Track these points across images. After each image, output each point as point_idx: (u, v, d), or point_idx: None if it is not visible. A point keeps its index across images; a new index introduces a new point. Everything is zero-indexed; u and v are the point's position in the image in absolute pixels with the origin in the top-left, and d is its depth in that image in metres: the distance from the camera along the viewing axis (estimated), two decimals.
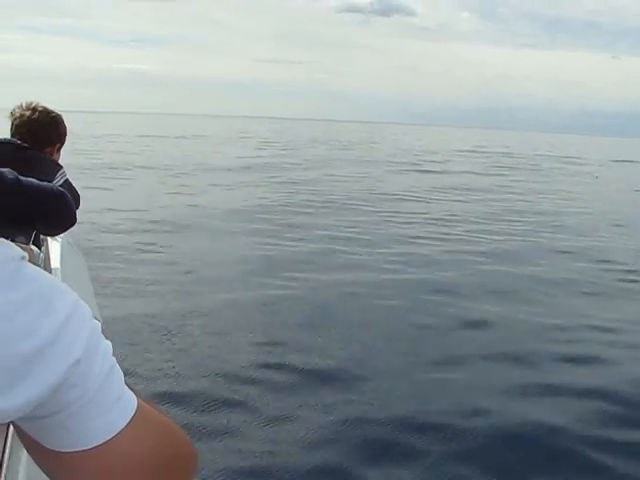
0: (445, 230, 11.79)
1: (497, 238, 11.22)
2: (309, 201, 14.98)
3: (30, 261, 0.64)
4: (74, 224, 2.45)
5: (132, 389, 0.67)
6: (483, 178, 23.35)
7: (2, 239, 0.61)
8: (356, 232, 11.01)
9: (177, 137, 48.13)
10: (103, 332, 0.66)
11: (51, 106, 2.95)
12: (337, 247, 9.68)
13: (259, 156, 29.79)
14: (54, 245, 2.87)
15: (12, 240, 2.16)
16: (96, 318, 0.67)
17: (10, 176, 2.23)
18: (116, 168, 20.68)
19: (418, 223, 12.58)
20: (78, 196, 2.97)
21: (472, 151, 43.39)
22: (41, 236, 2.68)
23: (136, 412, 0.64)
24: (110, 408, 0.62)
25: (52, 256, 2.78)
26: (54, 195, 2.35)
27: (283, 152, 34.45)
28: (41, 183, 2.36)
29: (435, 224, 12.47)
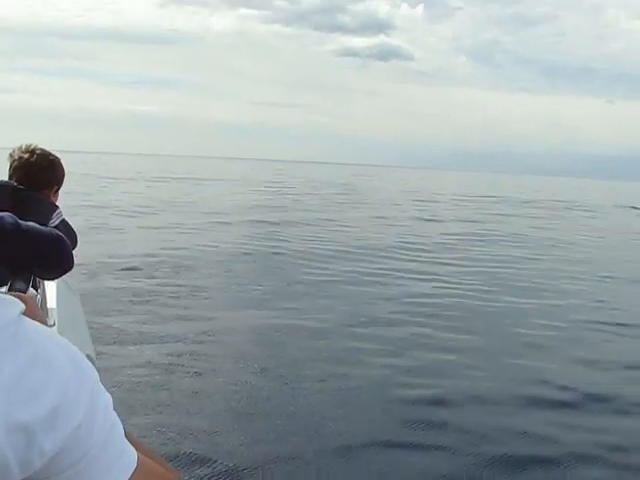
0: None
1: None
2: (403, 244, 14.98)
3: (28, 308, 0.64)
4: (71, 268, 2.44)
5: (132, 440, 0.67)
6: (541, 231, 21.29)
7: (4, 296, 0.61)
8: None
9: (183, 178, 48.29)
10: (99, 370, 0.65)
11: (54, 147, 2.97)
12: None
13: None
14: (50, 285, 2.87)
15: (11, 285, 2.16)
16: (91, 358, 0.67)
17: (10, 220, 2.22)
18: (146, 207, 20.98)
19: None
20: (75, 236, 2.99)
21: (491, 196, 42.15)
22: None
23: (137, 466, 0.64)
24: (112, 465, 0.62)
25: (48, 295, 2.76)
26: (52, 240, 2.34)
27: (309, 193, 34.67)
28: (40, 227, 2.35)
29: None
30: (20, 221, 2.26)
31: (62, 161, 3.08)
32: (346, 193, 39.38)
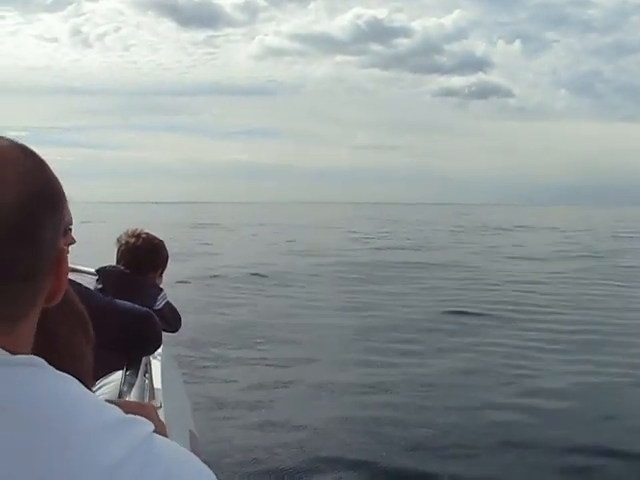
0: None
1: None
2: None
3: (151, 420, 0.71)
4: (159, 346, 2.47)
5: None
6: None
7: (135, 417, 0.67)
8: None
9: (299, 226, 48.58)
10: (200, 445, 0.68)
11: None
12: None
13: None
14: (155, 363, 2.88)
15: (109, 366, 2.19)
16: (193, 434, 0.71)
17: (105, 298, 2.30)
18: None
19: None
20: (179, 317, 3.13)
21: None
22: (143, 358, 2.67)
23: None
24: None
25: (153, 374, 2.73)
26: (141, 317, 2.38)
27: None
28: (131, 305, 2.40)
29: None
30: (116, 300, 2.33)
31: (165, 244, 3.16)
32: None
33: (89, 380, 1.19)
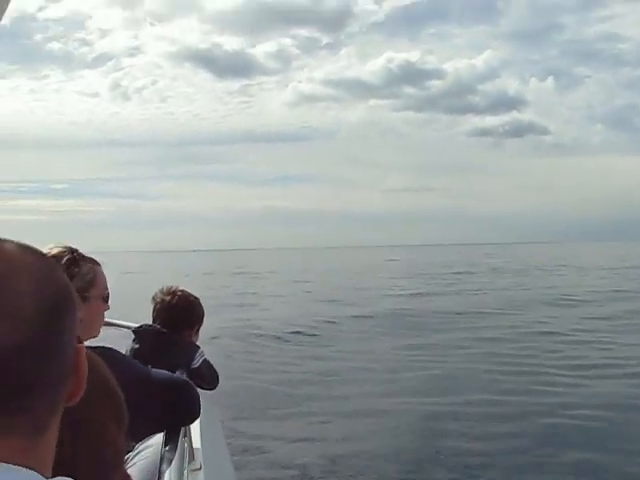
0: None
1: None
2: None
3: None
4: (197, 418, 2.37)
5: None
6: None
7: None
8: None
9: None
10: None
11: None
12: None
13: None
14: (195, 423, 2.66)
15: (149, 430, 2.18)
16: None
17: (142, 368, 2.22)
18: None
19: None
20: (217, 375, 3.08)
21: None
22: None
23: None
24: None
25: (192, 434, 2.65)
26: (179, 388, 2.30)
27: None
28: (168, 375, 2.32)
29: None
30: (152, 369, 2.23)
31: (201, 301, 3.08)
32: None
33: (119, 465, 1.17)
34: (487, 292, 26.74)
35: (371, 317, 18.58)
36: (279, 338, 15.20)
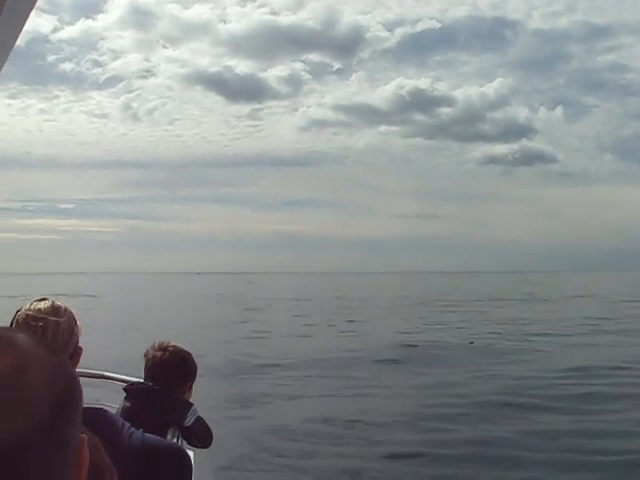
0: None
1: None
2: None
3: None
4: None
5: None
6: None
7: None
8: None
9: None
10: None
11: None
12: None
13: None
14: None
15: None
16: None
17: (137, 436, 2.13)
18: None
19: None
20: (211, 434, 3.04)
21: None
22: None
23: None
24: None
25: None
26: (171, 456, 2.21)
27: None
28: (161, 443, 2.26)
29: None
30: (146, 435, 2.15)
31: (193, 356, 3.02)
32: None
33: None
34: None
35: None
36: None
